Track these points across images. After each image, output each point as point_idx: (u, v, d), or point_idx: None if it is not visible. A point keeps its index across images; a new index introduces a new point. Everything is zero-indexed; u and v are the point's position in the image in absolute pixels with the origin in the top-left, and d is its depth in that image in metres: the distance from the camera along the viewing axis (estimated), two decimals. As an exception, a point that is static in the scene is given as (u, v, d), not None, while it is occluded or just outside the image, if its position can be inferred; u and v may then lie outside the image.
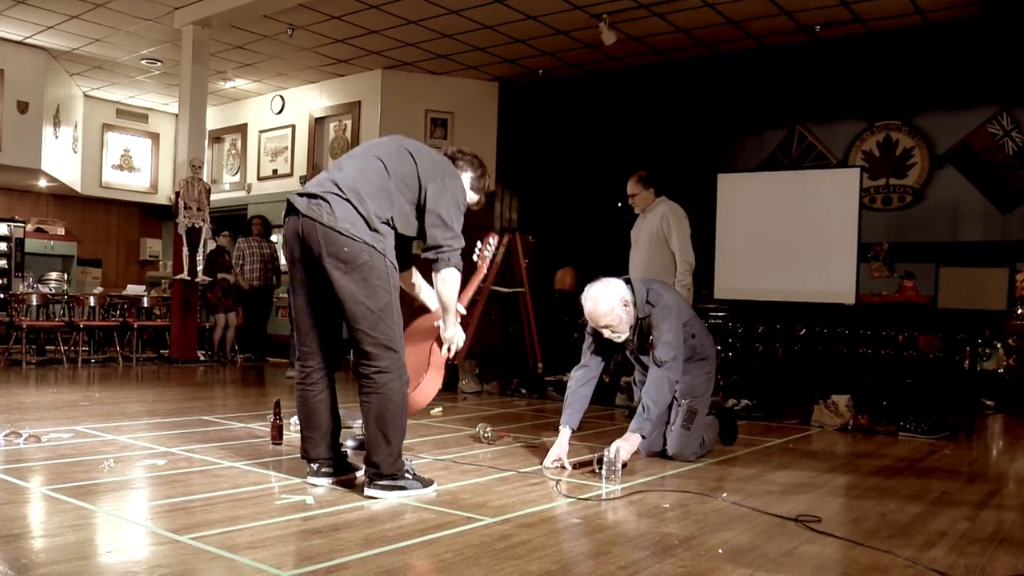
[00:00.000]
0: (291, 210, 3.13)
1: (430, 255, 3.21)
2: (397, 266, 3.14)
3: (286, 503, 3.01)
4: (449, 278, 3.24)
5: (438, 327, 3.55)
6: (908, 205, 8.92)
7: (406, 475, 3.14)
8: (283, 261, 9.84)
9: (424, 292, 3.69)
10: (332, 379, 3.35)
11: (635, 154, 10.49)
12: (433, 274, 3.27)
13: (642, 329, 3.96)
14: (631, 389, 5.33)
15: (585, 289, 3.90)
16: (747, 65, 9.40)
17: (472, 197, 3.44)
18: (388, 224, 3.11)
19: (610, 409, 6.31)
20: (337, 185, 3.08)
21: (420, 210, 3.19)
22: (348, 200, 3.04)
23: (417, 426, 5.15)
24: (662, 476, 3.75)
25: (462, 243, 3.22)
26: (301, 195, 3.12)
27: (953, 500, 3.42)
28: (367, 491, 3.10)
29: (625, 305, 3.81)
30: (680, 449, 4.05)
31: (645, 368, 4.15)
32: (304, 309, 3.24)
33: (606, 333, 3.83)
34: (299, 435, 3.38)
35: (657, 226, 6.24)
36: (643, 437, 3.79)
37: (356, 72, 10.74)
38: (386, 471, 3.08)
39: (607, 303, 3.77)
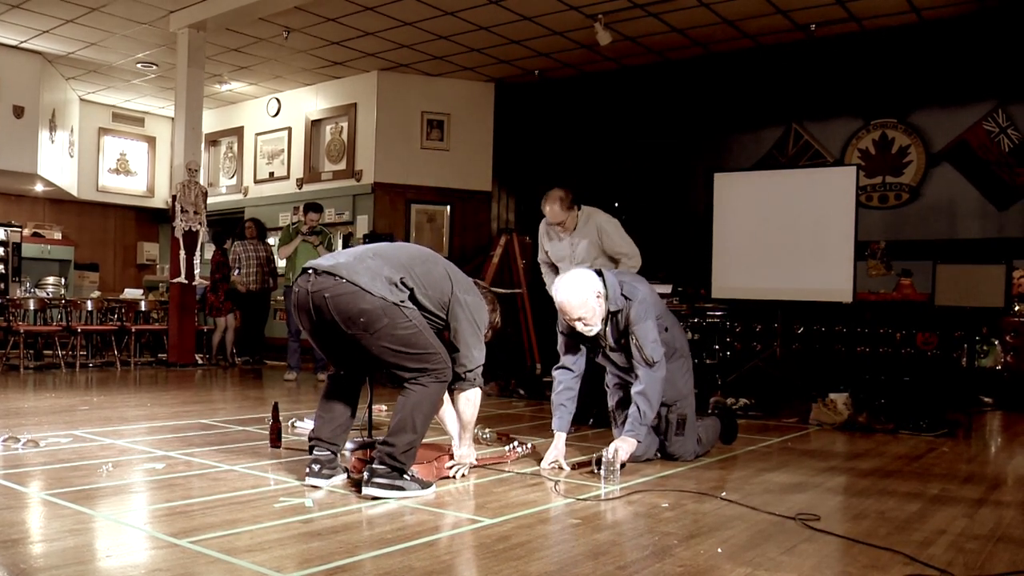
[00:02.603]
0: (301, 276, 3.23)
1: (459, 373, 3.34)
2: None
3: (285, 506, 3.01)
4: (473, 398, 3.45)
5: (447, 446, 3.70)
6: (905, 203, 8.94)
7: (407, 475, 3.15)
8: (280, 264, 9.88)
9: (448, 416, 3.74)
10: (359, 385, 3.47)
11: (631, 154, 10.53)
12: (457, 393, 3.41)
13: (616, 323, 3.84)
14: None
15: (556, 281, 3.82)
16: (743, 64, 9.42)
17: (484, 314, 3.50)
18: (404, 286, 3.17)
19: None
20: (355, 251, 3.27)
21: (442, 311, 3.30)
22: (364, 258, 3.18)
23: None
24: (661, 476, 3.74)
25: (483, 359, 3.39)
26: (308, 270, 3.20)
27: (952, 497, 3.43)
28: (366, 489, 3.10)
29: (598, 296, 3.71)
30: (680, 454, 4.04)
31: (618, 367, 4.07)
32: (323, 348, 3.39)
33: (578, 326, 3.72)
34: (298, 436, 3.41)
35: (595, 238, 5.58)
36: (638, 441, 3.76)
37: (352, 74, 10.74)
38: (399, 456, 3.10)
39: (580, 295, 3.66)
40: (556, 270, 5.72)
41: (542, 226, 5.83)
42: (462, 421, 3.53)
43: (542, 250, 5.88)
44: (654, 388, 3.74)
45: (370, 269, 3.12)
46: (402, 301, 3.12)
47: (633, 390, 3.79)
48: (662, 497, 3.30)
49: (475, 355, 3.35)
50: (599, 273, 3.81)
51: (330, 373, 3.52)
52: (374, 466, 3.12)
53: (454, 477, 3.54)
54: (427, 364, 3.14)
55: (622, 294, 3.79)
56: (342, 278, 3.07)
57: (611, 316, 3.82)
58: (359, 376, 3.49)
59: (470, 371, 3.35)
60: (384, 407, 5.94)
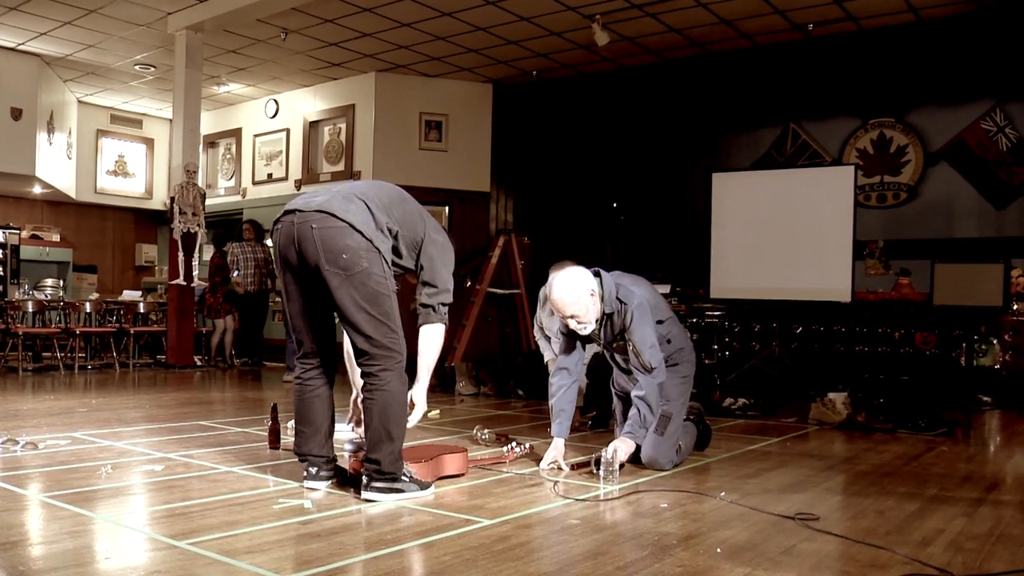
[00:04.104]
0: (286, 216, 3.16)
1: (430, 303, 3.27)
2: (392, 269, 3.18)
3: (284, 507, 3.01)
4: (439, 333, 3.33)
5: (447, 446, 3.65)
6: (903, 202, 8.94)
7: (403, 477, 3.15)
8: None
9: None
10: (331, 378, 3.38)
11: (629, 154, 10.53)
12: (424, 326, 3.31)
13: (612, 325, 3.81)
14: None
15: (550, 278, 3.80)
16: (740, 64, 9.42)
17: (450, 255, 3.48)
18: (391, 232, 3.16)
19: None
20: (340, 191, 3.16)
21: (413, 252, 3.28)
22: (353, 198, 3.11)
23: (415, 429, 5.14)
24: (659, 476, 3.74)
25: (451, 297, 3.35)
26: (293, 211, 3.14)
27: (951, 497, 3.43)
28: (365, 494, 3.10)
29: (592, 294, 3.68)
30: (654, 455, 3.81)
31: (620, 369, 4.07)
32: (299, 313, 3.27)
33: (572, 324, 3.70)
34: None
35: None
36: (638, 444, 3.75)
37: (350, 75, 10.74)
38: (386, 468, 3.08)
39: (574, 292, 3.64)
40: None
41: (542, 293, 5.86)
42: (424, 359, 3.37)
43: (538, 318, 5.92)
44: (654, 393, 3.73)
45: (361, 210, 3.08)
46: (385, 251, 3.09)
47: (634, 393, 3.78)
48: (661, 497, 3.30)
49: (448, 287, 3.32)
50: (597, 273, 3.80)
51: (295, 375, 3.41)
52: (370, 475, 3.11)
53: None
54: (383, 339, 3.04)
55: (618, 297, 3.75)
56: (333, 215, 3.01)
57: (606, 318, 3.80)
58: (328, 363, 3.35)
59: (443, 304, 3.31)
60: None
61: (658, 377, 3.74)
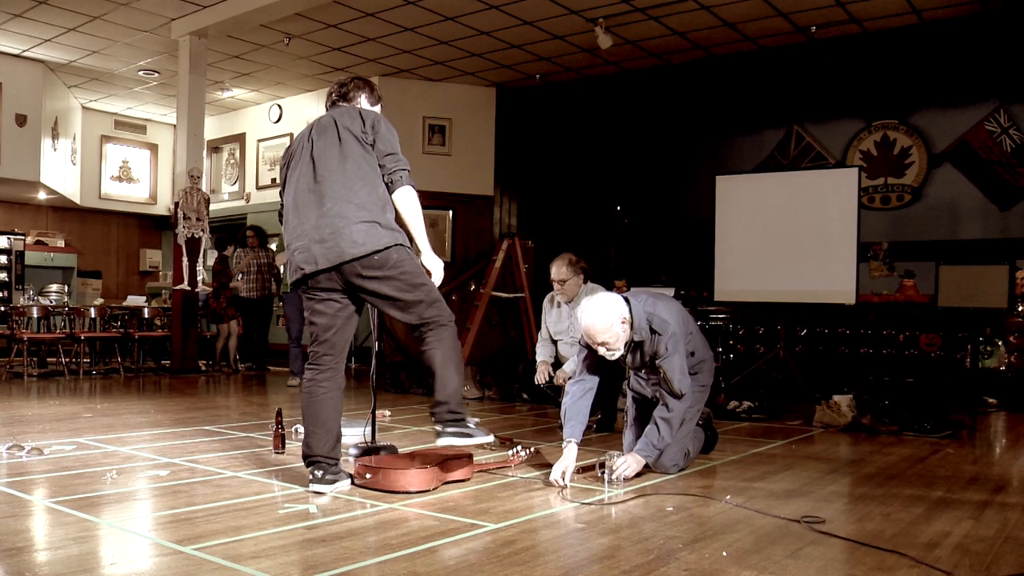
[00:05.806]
0: (313, 277, 3.30)
1: (390, 175, 3.38)
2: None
3: (289, 512, 3.01)
4: (411, 195, 3.40)
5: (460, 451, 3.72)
6: (907, 204, 8.93)
7: (470, 424, 3.35)
8: (282, 269, 9.88)
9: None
10: (342, 379, 3.43)
11: (633, 157, 10.53)
12: (395, 194, 3.38)
13: (642, 352, 3.82)
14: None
15: (582, 303, 3.81)
16: (744, 67, 9.43)
17: (378, 110, 3.66)
18: (392, 223, 3.31)
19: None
20: (336, 218, 3.23)
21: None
22: (356, 222, 3.21)
23: (419, 434, 5.15)
24: (665, 479, 3.74)
25: (408, 165, 3.47)
26: (318, 269, 3.25)
27: (957, 499, 3.42)
28: (441, 440, 3.33)
29: (623, 322, 3.66)
30: (661, 459, 3.83)
31: (637, 375, 4.08)
32: (329, 322, 3.36)
33: (601, 350, 3.67)
34: (300, 442, 3.40)
35: None
36: (648, 463, 3.75)
37: (353, 80, 10.75)
38: (455, 408, 3.31)
39: (605, 319, 3.61)
40: (553, 346, 5.89)
41: (547, 299, 5.86)
42: (412, 224, 3.41)
43: (544, 325, 5.93)
44: (679, 417, 3.75)
45: (369, 227, 3.19)
46: (403, 240, 3.28)
47: (658, 413, 3.78)
48: (666, 500, 3.29)
49: (400, 157, 3.41)
50: (627, 300, 3.78)
51: (306, 378, 3.41)
52: (442, 419, 3.33)
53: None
54: (431, 314, 3.29)
55: (651, 328, 3.74)
56: (357, 256, 3.18)
57: (635, 345, 3.79)
58: (342, 367, 3.41)
59: (405, 171, 3.39)
60: (388, 412, 5.94)
61: (686, 402, 3.78)
